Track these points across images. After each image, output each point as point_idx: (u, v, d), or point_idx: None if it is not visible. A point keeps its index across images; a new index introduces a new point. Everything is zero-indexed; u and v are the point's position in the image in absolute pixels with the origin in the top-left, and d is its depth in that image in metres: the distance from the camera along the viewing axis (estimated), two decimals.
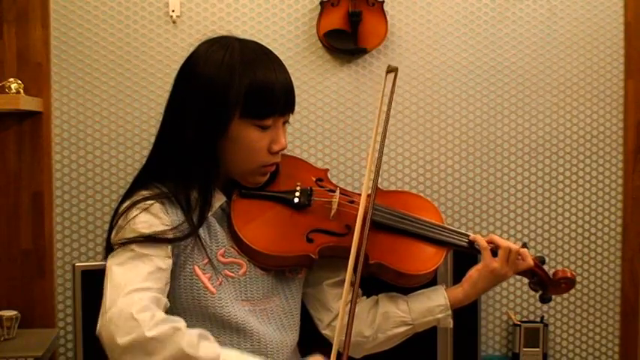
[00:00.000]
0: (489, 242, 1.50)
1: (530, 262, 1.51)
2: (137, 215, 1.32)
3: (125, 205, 1.36)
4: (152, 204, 1.34)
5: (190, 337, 1.18)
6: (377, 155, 1.46)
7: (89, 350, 2.38)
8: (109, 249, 1.35)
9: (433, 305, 1.50)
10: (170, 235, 1.31)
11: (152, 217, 1.32)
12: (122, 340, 1.15)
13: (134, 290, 1.21)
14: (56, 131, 2.60)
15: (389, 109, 1.48)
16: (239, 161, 1.39)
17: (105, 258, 1.36)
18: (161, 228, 1.31)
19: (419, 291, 1.53)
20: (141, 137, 2.60)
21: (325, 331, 1.53)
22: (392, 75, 1.50)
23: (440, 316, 1.50)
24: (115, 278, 1.24)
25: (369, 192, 1.44)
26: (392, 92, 1.48)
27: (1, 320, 2.41)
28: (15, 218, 2.57)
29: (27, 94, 2.46)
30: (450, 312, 1.51)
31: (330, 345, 1.46)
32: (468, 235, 1.53)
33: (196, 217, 1.35)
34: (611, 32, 2.80)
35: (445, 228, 1.53)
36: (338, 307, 1.49)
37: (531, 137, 2.80)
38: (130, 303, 1.18)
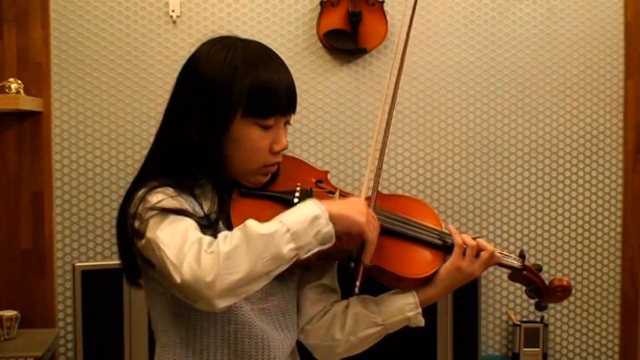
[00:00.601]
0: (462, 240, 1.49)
1: (499, 258, 1.50)
2: (162, 200, 1.31)
3: (142, 191, 1.34)
4: (172, 191, 1.33)
5: (253, 223, 1.21)
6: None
7: (89, 350, 2.38)
8: (123, 237, 1.34)
9: (403, 304, 1.48)
10: (201, 221, 1.31)
11: (173, 200, 1.32)
12: (210, 276, 1.16)
13: (190, 240, 1.22)
14: (56, 131, 2.60)
15: (407, 38, 1.50)
16: (240, 161, 1.39)
17: (120, 251, 1.36)
18: (188, 211, 1.31)
19: (389, 292, 1.52)
20: (141, 137, 2.60)
21: (299, 335, 1.53)
22: None
23: (410, 314, 1.48)
24: (166, 241, 1.24)
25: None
26: (411, 17, 1.49)
27: (1, 320, 2.41)
28: (15, 218, 2.57)
29: (27, 94, 2.46)
30: (419, 310, 1.49)
31: (304, 349, 1.50)
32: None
33: (214, 213, 1.35)
34: (611, 32, 2.80)
35: (444, 233, 1.52)
36: (312, 313, 1.50)
37: (531, 137, 2.80)
38: (196, 247, 1.20)
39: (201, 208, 1.35)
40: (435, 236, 1.50)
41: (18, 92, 2.42)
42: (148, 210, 1.30)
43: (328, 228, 1.23)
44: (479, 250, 1.47)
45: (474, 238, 1.49)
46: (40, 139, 2.57)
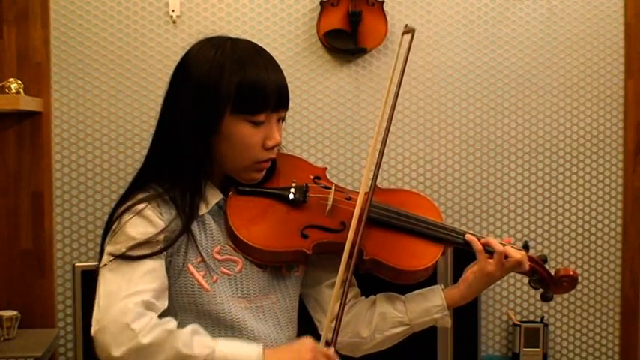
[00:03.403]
0: (485, 244, 1.49)
1: (526, 267, 1.51)
2: (130, 220, 1.33)
3: (121, 209, 1.37)
4: (145, 207, 1.35)
5: (184, 336, 1.21)
6: (384, 129, 1.46)
7: (89, 350, 2.37)
8: (103, 251, 1.36)
9: (430, 305, 1.50)
10: (161, 243, 1.32)
11: (144, 222, 1.33)
12: (117, 351, 1.18)
13: (127, 296, 1.24)
14: (56, 131, 2.60)
15: (402, 74, 1.48)
16: (233, 157, 1.40)
17: (99, 260, 1.37)
18: (153, 233, 1.32)
19: (416, 291, 1.53)
20: (141, 137, 2.60)
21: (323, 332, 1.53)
22: (408, 36, 1.49)
23: (437, 316, 1.50)
24: (107, 284, 1.27)
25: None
26: (407, 56, 1.47)
27: (1, 320, 2.41)
28: (15, 218, 2.57)
29: (27, 94, 2.46)
30: (447, 312, 1.51)
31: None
32: (465, 233, 1.53)
33: (186, 213, 1.36)
34: (611, 32, 2.80)
35: (442, 226, 1.53)
36: (334, 313, 1.50)
37: (531, 137, 2.80)
38: (124, 311, 1.21)
39: (180, 213, 1.36)
40: (434, 229, 1.50)
41: (18, 92, 2.42)
42: (114, 236, 1.32)
43: None
44: (506, 255, 1.48)
45: (502, 244, 1.49)
46: (40, 139, 2.57)
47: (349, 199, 1.49)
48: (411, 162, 2.76)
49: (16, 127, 2.56)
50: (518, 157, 2.80)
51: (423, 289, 1.53)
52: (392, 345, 1.53)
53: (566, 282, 1.56)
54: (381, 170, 2.72)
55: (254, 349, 1.24)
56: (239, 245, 1.40)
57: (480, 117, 2.77)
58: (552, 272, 1.56)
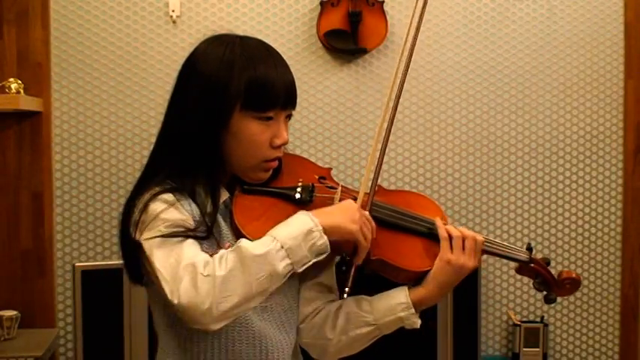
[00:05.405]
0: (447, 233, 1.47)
1: (482, 242, 1.47)
2: (163, 209, 1.31)
3: (145, 197, 1.34)
4: (173, 198, 1.33)
5: (247, 243, 1.22)
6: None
7: (89, 350, 2.38)
8: (125, 240, 1.35)
9: (394, 303, 1.45)
10: (199, 232, 1.32)
11: (176, 211, 1.32)
12: (207, 303, 1.18)
13: (187, 259, 1.24)
14: (56, 131, 2.60)
15: (415, 38, 1.49)
16: (241, 156, 1.40)
17: (122, 252, 1.37)
18: (188, 220, 1.31)
19: (384, 292, 1.51)
20: (141, 137, 2.60)
21: None
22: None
23: (402, 314, 1.44)
24: (162, 259, 1.26)
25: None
26: (420, 18, 1.47)
27: (1, 320, 2.41)
28: (15, 218, 2.57)
29: (27, 94, 2.46)
30: (412, 311, 1.45)
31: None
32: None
33: (209, 213, 1.35)
34: (611, 32, 2.80)
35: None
36: (306, 312, 1.50)
37: (531, 137, 2.80)
38: (191, 270, 1.21)
39: (201, 210, 1.35)
40: (437, 229, 1.50)
41: (18, 92, 2.42)
42: (147, 224, 1.30)
43: (322, 241, 1.24)
44: (464, 240, 1.46)
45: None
46: (40, 139, 2.57)
47: (355, 199, 1.49)
48: (411, 162, 2.76)
49: (16, 127, 2.56)
50: (518, 157, 2.80)
51: (392, 289, 1.50)
52: (361, 349, 1.49)
53: (569, 284, 1.56)
54: (381, 170, 2.73)
55: (304, 216, 1.26)
56: None
57: (480, 117, 2.77)
58: (555, 275, 1.56)
